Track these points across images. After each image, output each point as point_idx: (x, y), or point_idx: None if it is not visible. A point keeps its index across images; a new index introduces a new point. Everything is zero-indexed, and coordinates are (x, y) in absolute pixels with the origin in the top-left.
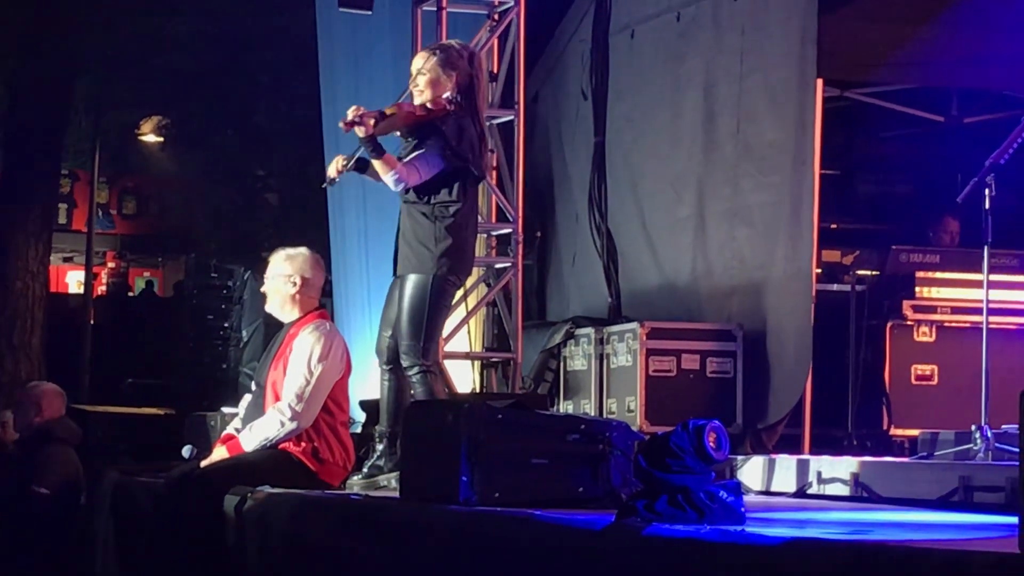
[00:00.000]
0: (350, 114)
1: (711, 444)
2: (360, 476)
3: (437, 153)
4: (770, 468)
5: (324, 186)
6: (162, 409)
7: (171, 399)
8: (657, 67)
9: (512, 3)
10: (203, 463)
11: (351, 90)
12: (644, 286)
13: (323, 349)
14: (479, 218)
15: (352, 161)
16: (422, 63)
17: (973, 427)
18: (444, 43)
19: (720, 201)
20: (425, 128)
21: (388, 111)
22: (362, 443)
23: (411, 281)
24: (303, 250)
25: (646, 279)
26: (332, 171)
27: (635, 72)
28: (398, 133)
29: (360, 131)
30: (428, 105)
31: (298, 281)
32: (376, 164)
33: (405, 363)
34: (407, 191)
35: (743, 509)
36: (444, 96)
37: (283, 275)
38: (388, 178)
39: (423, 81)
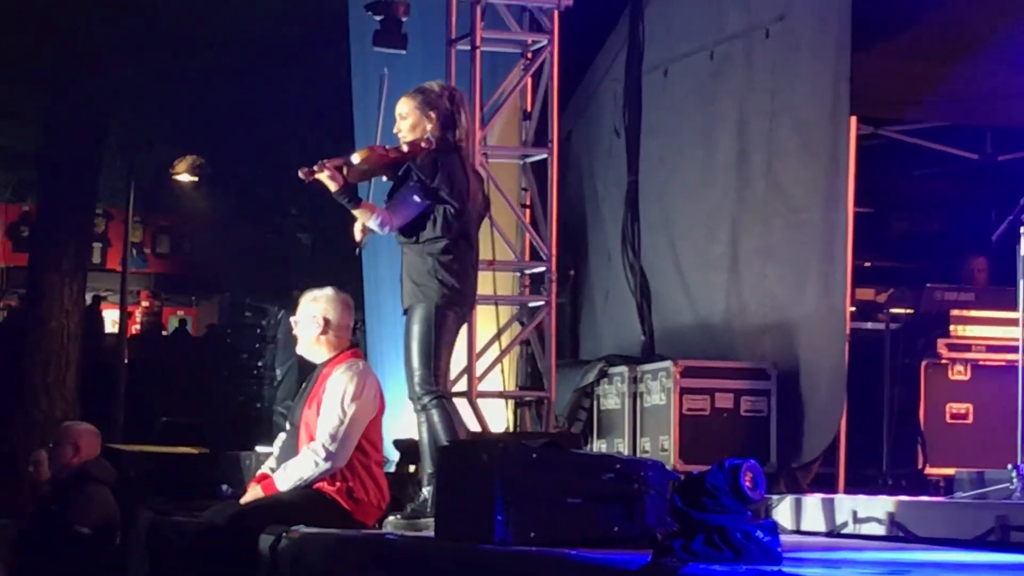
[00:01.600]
0: (314, 167)
1: (747, 483)
2: (400, 516)
3: (413, 192)
4: (805, 507)
5: (356, 252)
6: (196, 448)
7: (205, 438)
8: (690, 105)
9: (545, 42)
10: (237, 503)
11: (384, 130)
12: (677, 324)
13: (356, 388)
14: (512, 254)
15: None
16: (403, 108)
17: (1009, 466)
18: (423, 85)
19: (752, 239)
20: (400, 168)
21: (357, 157)
22: (396, 482)
23: (415, 313)
24: (328, 291)
25: (679, 317)
26: (357, 234)
27: (668, 110)
28: (384, 177)
29: (331, 185)
30: (404, 147)
31: (322, 322)
32: (356, 213)
33: (419, 392)
34: (396, 232)
35: (779, 549)
36: (424, 136)
37: (309, 316)
38: (371, 224)
39: (405, 126)
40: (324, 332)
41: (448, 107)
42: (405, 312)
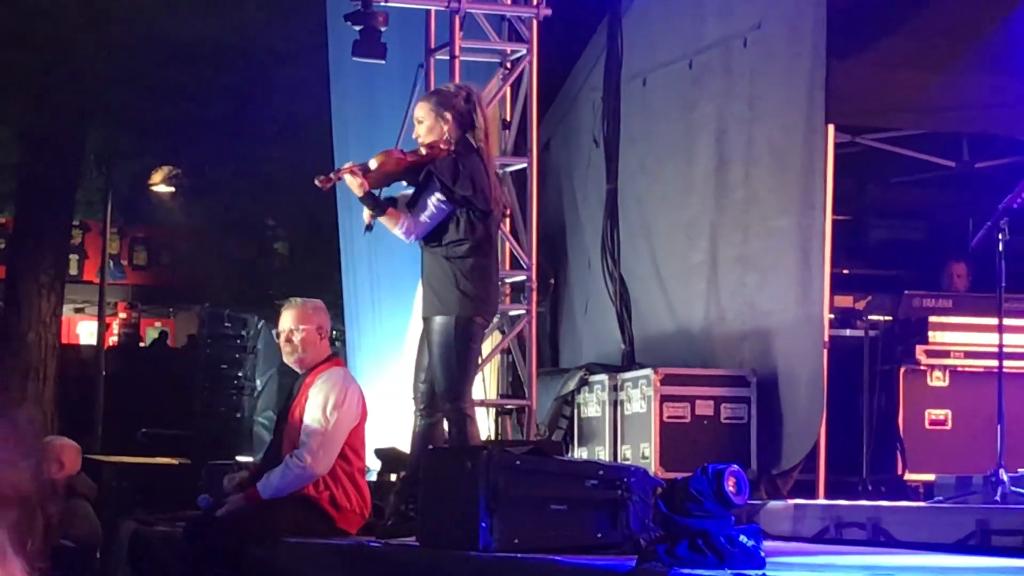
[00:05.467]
0: (331, 175)
1: (731, 488)
2: (383, 523)
3: (435, 197)
4: (786, 513)
5: (364, 232)
6: (177, 459)
7: (185, 449)
8: (669, 114)
9: (524, 52)
10: (220, 511)
11: (364, 140)
12: (657, 332)
13: (338, 396)
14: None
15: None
16: (419, 111)
17: (989, 471)
18: (439, 87)
19: (731, 247)
20: (420, 172)
21: (374, 163)
22: (377, 490)
23: (437, 324)
24: (318, 301)
25: (659, 325)
26: (366, 217)
27: (647, 119)
28: (404, 182)
29: (357, 189)
30: (422, 150)
31: (324, 331)
32: (382, 220)
33: (443, 406)
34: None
35: (763, 554)
36: (443, 138)
37: (313, 327)
38: (397, 232)
39: (423, 129)
40: (322, 340)
41: (464, 106)
42: (425, 320)
